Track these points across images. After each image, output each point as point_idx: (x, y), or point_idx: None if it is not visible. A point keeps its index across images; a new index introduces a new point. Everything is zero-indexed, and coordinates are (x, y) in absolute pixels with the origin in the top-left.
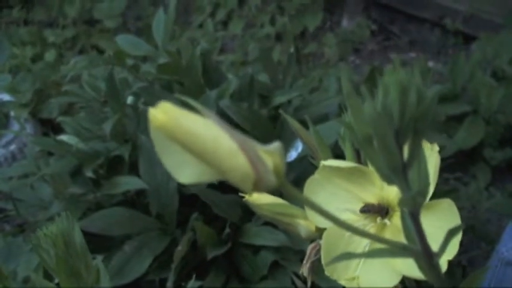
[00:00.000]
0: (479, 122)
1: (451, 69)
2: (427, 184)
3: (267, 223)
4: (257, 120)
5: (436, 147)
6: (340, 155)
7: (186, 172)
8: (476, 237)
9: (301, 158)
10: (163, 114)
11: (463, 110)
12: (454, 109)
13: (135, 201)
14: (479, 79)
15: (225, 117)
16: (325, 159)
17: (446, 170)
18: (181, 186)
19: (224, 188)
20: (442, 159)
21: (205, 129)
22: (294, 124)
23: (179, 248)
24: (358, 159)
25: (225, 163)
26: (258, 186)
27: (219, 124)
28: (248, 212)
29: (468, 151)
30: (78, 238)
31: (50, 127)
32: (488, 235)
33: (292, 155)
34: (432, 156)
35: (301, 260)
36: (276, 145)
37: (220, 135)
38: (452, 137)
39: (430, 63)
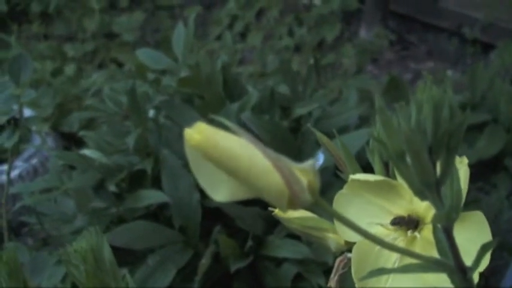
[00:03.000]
0: (499, 131)
1: (469, 78)
2: (460, 199)
3: (290, 235)
4: (278, 132)
5: (466, 160)
6: (363, 166)
7: (221, 190)
8: (497, 247)
9: (323, 169)
10: (199, 134)
11: (483, 119)
12: (473, 118)
13: (158, 214)
14: (499, 88)
15: (246, 131)
16: (353, 172)
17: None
18: (203, 199)
19: (247, 200)
20: None
21: (239, 148)
22: (322, 137)
23: (203, 261)
24: (387, 172)
25: (260, 181)
26: (293, 204)
27: (253, 143)
28: (271, 225)
29: (489, 160)
30: (107, 253)
31: (71, 141)
32: (509, 245)
33: (317, 164)
34: (462, 169)
35: (324, 272)
36: (309, 163)
37: (254, 154)
38: (472, 146)
39: (449, 72)
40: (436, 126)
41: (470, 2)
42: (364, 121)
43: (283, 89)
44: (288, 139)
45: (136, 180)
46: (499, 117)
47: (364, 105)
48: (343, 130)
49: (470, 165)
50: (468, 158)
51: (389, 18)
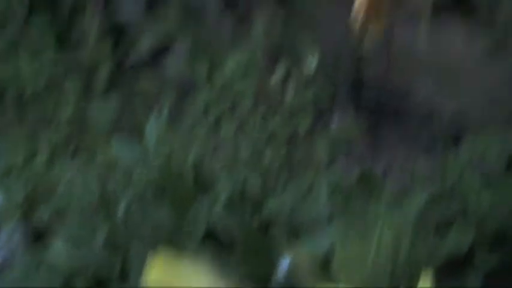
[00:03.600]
0: (469, 225)
1: (440, 170)
2: None
3: None
4: (248, 231)
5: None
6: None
7: None
8: None
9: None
10: (159, 268)
11: (452, 212)
12: (443, 211)
13: None
14: (468, 180)
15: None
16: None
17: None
18: None
19: None
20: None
21: (196, 283)
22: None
23: None
24: None
25: None
26: None
27: (212, 277)
28: None
29: (459, 256)
30: None
31: (41, 231)
32: None
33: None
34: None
35: None
36: None
37: None
38: (443, 238)
39: (420, 162)
40: (396, 256)
41: (441, 92)
42: (335, 214)
43: (255, 180)
44: (257, 239)
45: (104, 276)
46: (468, 209)
47: (336, 199)
48: (315, 223)
49: (440, 263)
50: (438, 252)
51: (361, 108)
